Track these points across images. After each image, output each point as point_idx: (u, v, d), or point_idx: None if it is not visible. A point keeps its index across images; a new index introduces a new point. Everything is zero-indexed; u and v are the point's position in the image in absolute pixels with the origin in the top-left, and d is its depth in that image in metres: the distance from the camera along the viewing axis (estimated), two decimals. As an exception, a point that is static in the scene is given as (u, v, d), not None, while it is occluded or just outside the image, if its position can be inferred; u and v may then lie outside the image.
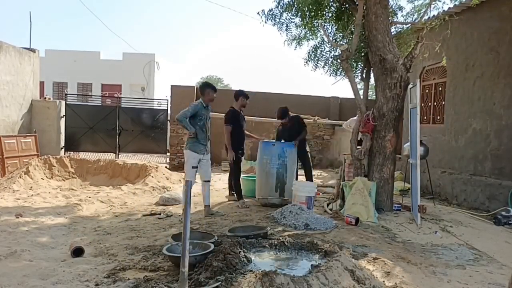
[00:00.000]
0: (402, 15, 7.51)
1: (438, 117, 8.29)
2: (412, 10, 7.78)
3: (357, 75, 7.03)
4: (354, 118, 7.37)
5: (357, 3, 6.00)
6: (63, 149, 11.08)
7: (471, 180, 6.94)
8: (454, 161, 7.48)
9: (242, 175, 6.45)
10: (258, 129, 13.04)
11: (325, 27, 6.88)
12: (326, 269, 2.82)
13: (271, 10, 6.75)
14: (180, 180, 8.48)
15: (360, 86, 6.58)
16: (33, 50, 10.49)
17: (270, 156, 6.35)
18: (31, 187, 7.29)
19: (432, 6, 6.52)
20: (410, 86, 5.87)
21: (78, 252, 3.69)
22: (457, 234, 4.87)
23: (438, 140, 7.87)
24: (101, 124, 11.59)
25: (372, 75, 6.18)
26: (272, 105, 12.92)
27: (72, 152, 11.20)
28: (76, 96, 14.95)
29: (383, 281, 3.15)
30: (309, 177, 7.17)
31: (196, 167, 5.37)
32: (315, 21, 6.63)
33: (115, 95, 14.72)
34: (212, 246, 3.44)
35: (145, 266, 3.35)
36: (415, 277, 3.31)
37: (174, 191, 7.12)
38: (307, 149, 7.28)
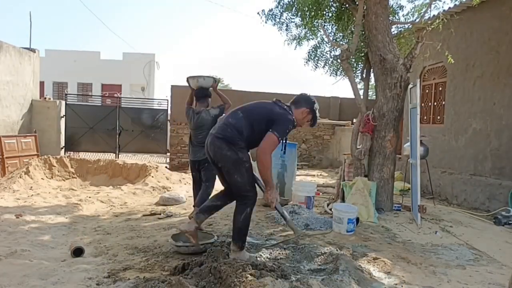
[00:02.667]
0: (402, 15, 7.52)
1: (438, 117, 8.29)
2: (413, 10, 7.79)
3: (357, 75, 7.04)
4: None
5: (357, 3, 6.00)
6: (63, 149, 11.08)
7: (471, 180, 6.94)
8: (454, 161, 7.48)
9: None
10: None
11: (325, 27, 6.89)
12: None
13: (271, 10, 6.77)
14: (180, 180, 8.48)
15: (360, 86, 6.58)
16: (33, 50, 10.49)
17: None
18: (31, 187, 7.29)
19: (433, 6, 6.53)
20: (410, 86, 5.87)
21: (78, 252, 3.69)
22: (457, 234, 4.87)
23: (438, 140, 7.87)
24: (101, 124, 11.59)
25: (372, 75, 6.18)
26: (272, 105, 12.96)
27: (72, 152, 11.20)
28: (76, 96, 14.94)
29: (383, 281, 3.15)
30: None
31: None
32: (315, 21, 6.64)
33: (115, 95, 14.71)
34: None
35: (145, 266, 3.35)
36: (415, 277, 3.31)
37: (174, 191, 7.12)
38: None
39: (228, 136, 2.98)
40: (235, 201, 3.21)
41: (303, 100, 3.27)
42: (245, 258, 3.08)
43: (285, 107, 3.20)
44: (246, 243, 3.37)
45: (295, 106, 3.25)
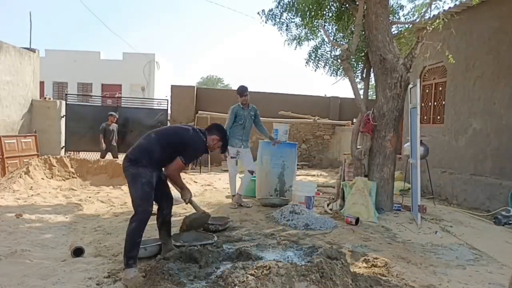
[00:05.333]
0: (402, 15, 7.52)
1: (438, 117, 8.29)
2: (413, 10, 7.80)
3: (357, 75, 7.04)
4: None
5: (357, 3, 5.99)
6: (63, 149, 11.07)
7: (471, 180, 6.94)
8: (454, 161, 7.48)
9: (242, 175, 6.33)
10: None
11: (325, 27, 6.88)
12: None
13: (271, 10, 6.76)
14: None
15: (360, 86, 6.58)
16: (33, 50, 10.48)
17: (270, 156, 6.35)
18: (31, 187, 7.29)
19: (433, 6, 6.53)
20: (410, 86, 5.87)
21: (78, 252, 3.68)
22: (457, 234, 4.87)
23: (438, 140, 7.87)
24: (101, 124, 11.58)
25: (372, 75, 6.18)
26: (272, 106, 12.97)
27: (72, 152, 11.19)
28: (76, 96, 14.94)
29: (383, 281, 3.15)
30: None
31: (234, 157, 6.06)
32: (315, 21, 6.64)
33: (116, 95, 14.72)
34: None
35: (145, 266, 3.35)
36: (415, 277, 3.31)
37: (174, 191, 7.10)
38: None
39: (136, 156, 3.27)
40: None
41: (215, 129, 3.69)
42: (129, 277, 2.97)
43: (201, 132, 3.58)
44: None
45: (208, 132, 3.63)
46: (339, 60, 6.39)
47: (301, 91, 54.74)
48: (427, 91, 8.64)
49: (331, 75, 7.58)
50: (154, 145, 3.32)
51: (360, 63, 7.05)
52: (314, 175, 10.79)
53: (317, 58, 7.26)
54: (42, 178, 7.85)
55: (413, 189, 5.70)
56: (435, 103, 8.40)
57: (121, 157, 11.19)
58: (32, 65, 10.31)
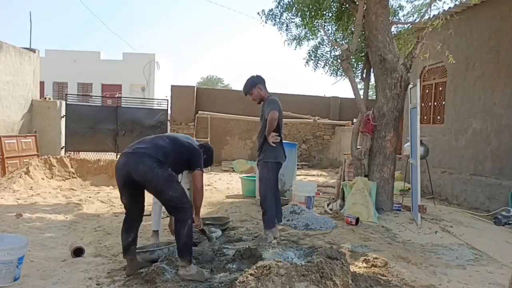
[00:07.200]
0: (402, 15, 7.52)
1: (438, 117, 8.29)
2: (413, 10, 7.80)
3: (357, 75, 7.04)
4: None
5: (357, 3, 5.99)
6: (63, 149, 11.07)
7: (471, 180, 6.94)
8: (454, 161, 7.48)
9: (242, 175, 6.29)
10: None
11: (325, 27, 6.88)
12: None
13: (271, 10, 6.75)
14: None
15: (360, 86, 6.58)
16: (33, 50, 10.48)
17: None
18: (31, 187, 7.29)
19: (433, 6, 6.53)
20: (410, 86, 5.87)
21: (78, 252, 3.69)
22: (457, 234, 4.87)
23: (438, 140, 7.87)
24: (101, 124, 11.58)
25: (372, 75, 6.18)
26: (272, 105, 12.98)
27: (72, 152, 11.20)
28: (76, 96, 14.96)
29: (383, 281, 3.15)
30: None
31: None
32: (315, 21, 6.63)
33: (116, 95, 14.71)
34: None
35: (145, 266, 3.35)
36: (415, 277, 3.31)
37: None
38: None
39: (159, 155, 3.14)
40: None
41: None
42: (194, 272, 3.02)
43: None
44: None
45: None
46: (339, 60, 6.38)
47: (301, 91, 54.69)
48: (427, 91, 8.64)
49: (331, 75, 7.59)
50: (170, 149, 3.26)
51: (360, 63, 7.05)
52: (314, 175, 10.79)
53: (317, 58, 7.26)
54: (42, 178, 7.85)
55: (413, 189, 5.70)
56: (435, 103, 8.40)
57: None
58: (32, 65, 10.31)
